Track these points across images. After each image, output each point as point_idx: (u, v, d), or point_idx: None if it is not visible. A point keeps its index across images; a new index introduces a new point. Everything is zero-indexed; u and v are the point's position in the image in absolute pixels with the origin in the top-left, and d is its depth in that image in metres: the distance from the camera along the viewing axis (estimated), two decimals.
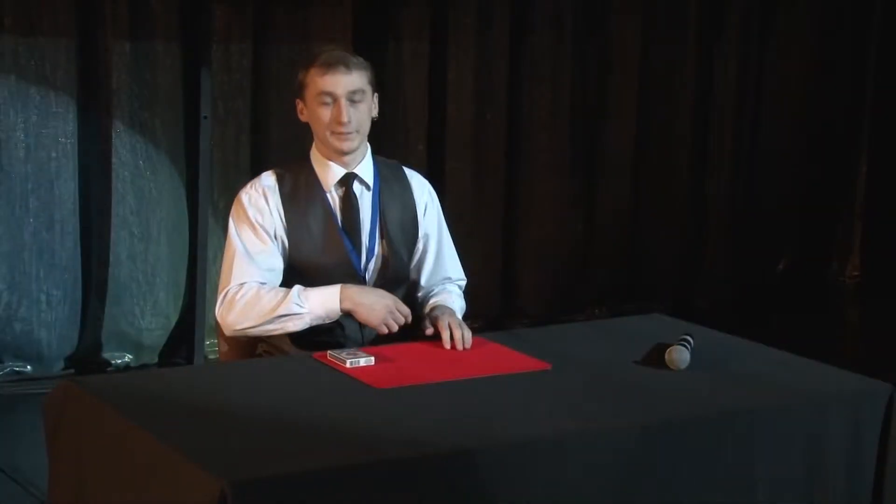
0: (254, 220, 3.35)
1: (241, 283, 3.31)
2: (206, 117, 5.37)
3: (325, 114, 3.33)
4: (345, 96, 3.31)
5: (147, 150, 5.47)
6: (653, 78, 6.71)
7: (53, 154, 5.29)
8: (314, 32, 5.75)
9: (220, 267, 3.41)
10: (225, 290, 3.32)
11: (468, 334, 3.26)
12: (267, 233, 3.35)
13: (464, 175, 6.23)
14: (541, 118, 6.41)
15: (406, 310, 3.30)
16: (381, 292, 3.32)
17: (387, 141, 5.72)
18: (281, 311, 3.26)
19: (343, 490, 2.41)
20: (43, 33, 5.21)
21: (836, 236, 7.56)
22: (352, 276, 3.36)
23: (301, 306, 3.26)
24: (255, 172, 5.73)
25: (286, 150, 5.70)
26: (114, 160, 5.40)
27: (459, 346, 3.23)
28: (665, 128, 6.79)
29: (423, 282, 3.56)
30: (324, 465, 2.44)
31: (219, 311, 3.33)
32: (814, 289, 7.36)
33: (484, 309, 6.26)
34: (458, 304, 3.53)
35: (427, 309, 3.48)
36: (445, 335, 3.24)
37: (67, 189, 5.34)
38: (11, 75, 5.19)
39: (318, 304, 3.27)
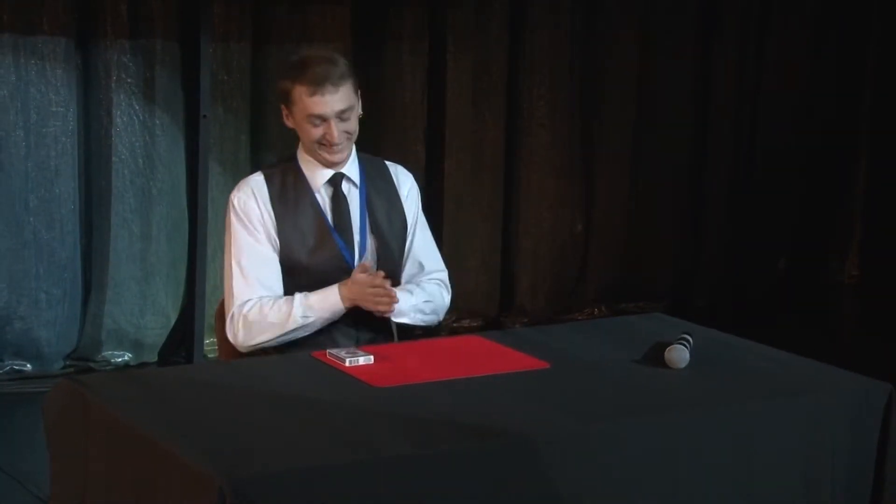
0: (247, 223, 3.36)
1: (245, 302, 3.33)
2: (205, 116, 5.37)
3: (315, 132, 3.32)
4: (334, 116, 3.30)
5: (147, 150, 5.47)
6: (651, 77, 6.71)
7: (53, 153, 5.29)
8: (313, 32, 5.75)
9: (220, 266, 3.41)
10: (230, 313, 3.34)
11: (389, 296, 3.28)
12: (260, 234, 3.36)
13: (462, 174, 6.23)
14: (539, 117, 6.41)
15: (379, 280, 3.27)
16: (356, 279, 3.30)
17: (385, 141, 5.72)
18: (290, 327, 3.30)
19: (341, 488, 2.41)
20: (43, 32, 5.21)
21: (835, 236, 7.56)
22: (346, 272, 3.36)
23: (307, 317, 3.30)
24: (254, 172, 5.78)
25: (286, 149, 5.67)
26: (113, 159, 5.41)
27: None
28: (664, 127, 6.79)
29: (404, 274, 3.53)
30: (322, 463, 2.44)
31: (229, 332, 3.35)
32: (813, 288, 7.35)
33: (483, 308, 6.26)
34: (420, 297, 3.47)
35: None
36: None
37: (67, 188, 5.34)
38: (11, 74, 5.19)
39: (322, 308, 3.31)
